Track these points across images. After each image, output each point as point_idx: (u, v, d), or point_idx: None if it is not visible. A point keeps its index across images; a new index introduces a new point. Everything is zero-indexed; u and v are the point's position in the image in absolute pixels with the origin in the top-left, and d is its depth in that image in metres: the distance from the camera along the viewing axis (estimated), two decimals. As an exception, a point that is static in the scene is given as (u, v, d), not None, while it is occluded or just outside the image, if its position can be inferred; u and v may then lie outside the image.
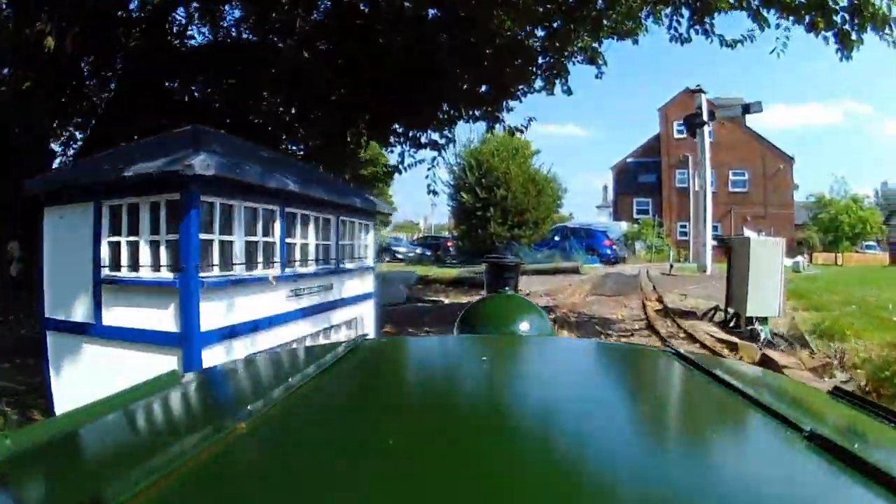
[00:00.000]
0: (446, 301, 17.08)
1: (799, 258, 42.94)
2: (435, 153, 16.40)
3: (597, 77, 14.47)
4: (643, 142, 66.27)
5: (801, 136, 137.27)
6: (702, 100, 35.72)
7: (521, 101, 15.79)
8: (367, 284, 9.19)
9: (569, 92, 14.71)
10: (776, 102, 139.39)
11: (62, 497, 0.94)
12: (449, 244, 52.28)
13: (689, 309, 16.07)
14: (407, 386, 1.71)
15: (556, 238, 46.52)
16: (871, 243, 64.02)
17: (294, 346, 6.53)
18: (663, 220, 58.10)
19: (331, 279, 7.78)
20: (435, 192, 17.01)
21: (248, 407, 1.17)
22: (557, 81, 14.63)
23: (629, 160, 65.58)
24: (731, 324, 13.15)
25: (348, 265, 8.44)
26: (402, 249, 51.33)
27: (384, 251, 48.82)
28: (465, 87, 14.58)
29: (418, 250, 50.99)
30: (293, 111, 16.09)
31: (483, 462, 0.98)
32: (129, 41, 13.71)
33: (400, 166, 17.20)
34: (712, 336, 11.95)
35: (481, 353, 2.10)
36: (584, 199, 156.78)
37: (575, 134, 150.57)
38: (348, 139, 16.09)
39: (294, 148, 16.80)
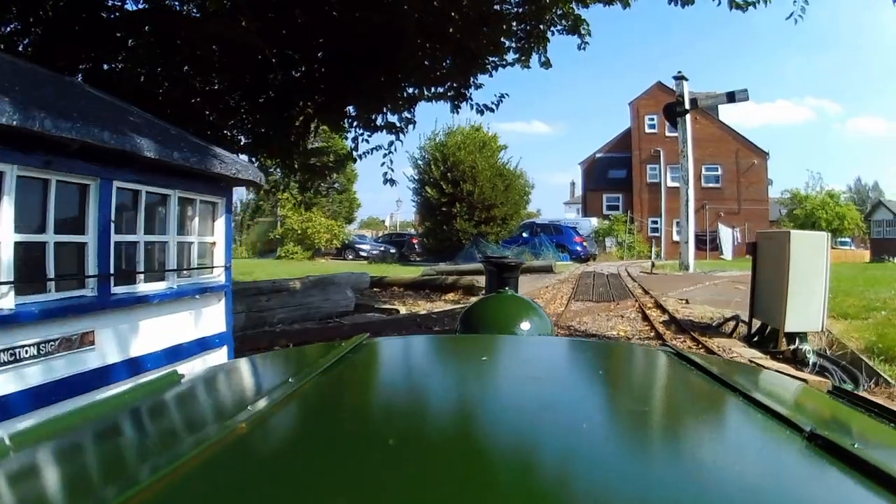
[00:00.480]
0: (402, 310, 14.34)
1: None
2: (392, 137, 13.73)
3: (579, 48, 12.27)
4: (613, 137, 64.79)
5: (772, 134, 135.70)
6: (683, 87, 33.30)
7: (491, 76, 13.36)
8: (210, 320, 5.99)
9: (547, 64, 12.66)
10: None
11: (62, 497, 0.92)
12: (415, 241, 50.36)
13: (702, 320, 13.23)
14: (407, 385, 1.61)
15: (525, 235, 44.37)
16: (846, 239, 63.10)
17: None
18: (634, 216, 56.42)
19: (86, 323, 4.52)
20: (392, 182, 14.19)
21: (249, 407, 1.13)
22: (535, 52, 12.38)
23: (599, 155, 63.92)
24: (756, 338, 10.38)
25: (153, 286, 5.19)
26: (365, 247, 49.43)
27: (347, 249, 47.72)
28: (427, 61, 12.36)
29: (383, 248, 48.89)
30: (234, 92, 13.65)
31: (484, 461, 0.97)
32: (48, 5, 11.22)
33: (354, 153, 14.77)
34: (755, 363, 8.51)
35: (481, 352, 2.01)
36: (552, 195, 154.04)
37: (541, 131, 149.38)
38: (296, 123, 14.05)
39: (242, 137, 14.45)
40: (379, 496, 0.84)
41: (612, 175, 61.56)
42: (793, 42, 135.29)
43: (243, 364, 2.07)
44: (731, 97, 32.49)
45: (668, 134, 56.51)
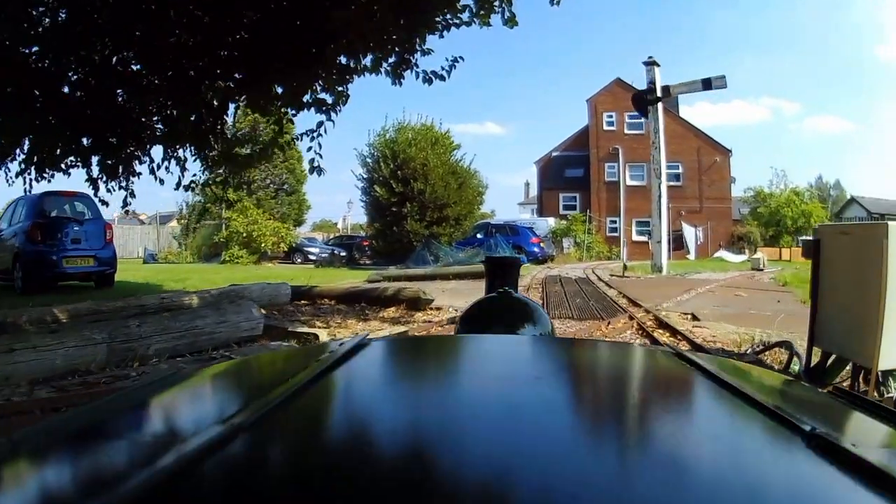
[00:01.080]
0: (324, 335, 10.58)
1: (759, 254, 39.53)
2: (322, 117, 11.19)
3: (552, 3, 10.36)
4: (570, 135, 62.92)
5: (728, 134, 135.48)
6: (655, 73, 30.44)
7: (441, 36, 10.78)
8: None
9: (512, 21, 10.46)
10: (700, 101, 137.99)
11: (62, 497, 0.88)
12: (366, 244, 48.00)
13: (732, 346, 9.61)
14: (408, 386, 1.57)
15: (480, 236, 41.94)
16: (808, 238, 59.68)
17: None
18: (592, 216, 54.45)
19: None
20: (319, 170, 11.72)
21: (250, 407, 1.06)
22: (498, 4, 10.31)
23: (555, 154, 61.97)
24: (815, 374, 6.69)
25: None
26: (314, 250, 47.05)
27: (296, 252, 45.57)
28: (365, 22, 9.44)
29: (333, 251, 46.02)
30: (142, 70, 11.66)
31: (485, 461, 0.93)
32: None
33: (283, 139, 12.84)
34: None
35: (482, 352, 1.90)
36: (506, 196, 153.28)
37: (494, 133, 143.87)
38: (212, 104, 11.97)
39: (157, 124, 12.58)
40: (379, 496, 0.80)
41: (569, 174, 59.70)
42: (749, 43, 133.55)
43: (243, 364, 2.04)
44: (707, 84, 29.25)
45: (627, 132, 56.38)
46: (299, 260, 44.43)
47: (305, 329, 10.75)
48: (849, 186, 76.98)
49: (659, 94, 30.01)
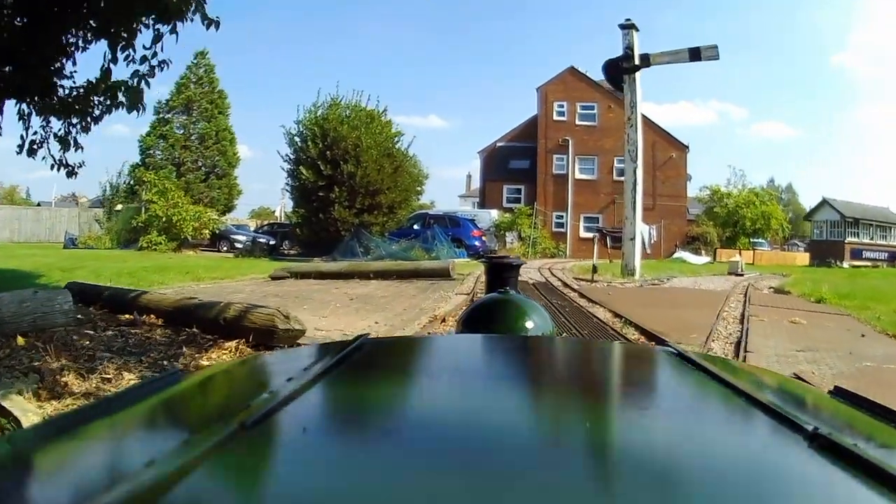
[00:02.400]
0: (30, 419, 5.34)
1: (736, 257, 37.05)
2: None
3: None
4: (516, 125, 58.62)
5: (675, 134, 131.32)
6: (633, 38, 24.98)
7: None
8: None
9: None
10: (647, 98, 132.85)
11: (62, 497, 0.91)
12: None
13: None
14: (409, 386, 1.59)
15: (417, 227, 37.97)
16: (760, 241, 59.71)
17: None
18: (538, 209, 50.06)
19: None
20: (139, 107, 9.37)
21: (251, 406, 1.10)
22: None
23: (500, 144, 57.69)
24: None
25: None
26: (241, 238, 42.93)
27: (221, 240, 41.72)
28: None
29: (262, 239, 42.03)
30: None
31: (486, 461, 0.95)
32: None
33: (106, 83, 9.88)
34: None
35: (482, 352, 2.01)
36: (447, 190, 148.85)
37: (437, 126, 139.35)
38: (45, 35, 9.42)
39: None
40: (380, 496, 0.81)
41: (514, 165, 55.61)
42: (699, 44, 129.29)
43: (244, 364, 2.18)
44: (695, 54, 24.18)
45: (578, 122, 52.76)
46: (225, 248, 40.83)
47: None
48: (800, 190, 74.71)
49: (637, 62, 24.76)
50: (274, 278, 20.02)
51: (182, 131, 51.90)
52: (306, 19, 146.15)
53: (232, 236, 43.37)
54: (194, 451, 0.86)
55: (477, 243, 38.34)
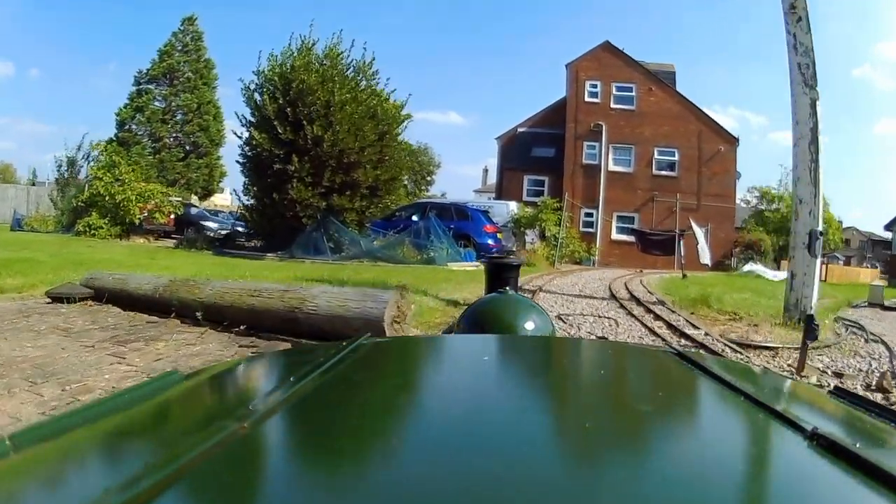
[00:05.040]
0: None
1: (878, 281, 28.53)
2: None
3: None
4: (541, 108, 47.44)
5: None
6: None
7: None
8: None
9: None
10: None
11: (62, 498, 0.88)
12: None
13: None
14: (409, 385, 1.52)
15: (416, 218, 26.64)
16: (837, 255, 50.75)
17: None
18: (569, 202, 39.46)
19: None
20: None
21: (251, 406, 1.08)
22: None
23: (521, 130, 46.45)
24: None
25: None
26: (212, 225, 34.21)
27: (188, 226, 31.37)
28: None
29: (240, 228, 31.78)
30: None
31: (486, 461, 0.92)
32: None
33: None
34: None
35: (482, 352, 1.86)
36: (462, 185, 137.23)
37: (455, 122, 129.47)
38: None
39: None
40: (381, 496, 0.79)
41: (537, 153, 44.63)
42: (721, 52, 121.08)
43: (244, 364, 1.87)
44: None
45: (613, 106, 42.66)
46: (193, 234, 29.78)
47: None
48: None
49: None
50: (53, 298, 9.63)
51: (163, 104, 45.93)
52: (318, 9, 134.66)
53: (202, 222, 33.95)
54: (194, 451, 0.84)
55: (490, 241, 27.30)
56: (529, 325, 2.65)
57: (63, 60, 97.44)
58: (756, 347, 9.23)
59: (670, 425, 1.19)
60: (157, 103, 45.48)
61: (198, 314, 8.23)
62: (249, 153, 25.06)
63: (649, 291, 17.02)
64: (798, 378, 7.50)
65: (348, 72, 24.89)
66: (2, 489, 0.87)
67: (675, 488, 0.82)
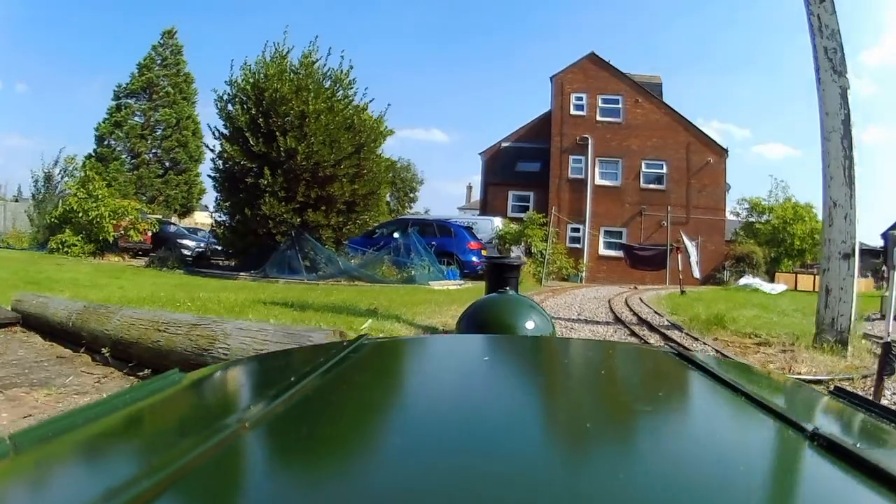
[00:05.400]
0: None
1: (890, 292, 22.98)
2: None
3: None
4: (525, 122, 46.83)
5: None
6: None
7: None
8: None
9: None
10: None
11: (62, 498, 0.87)
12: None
13: None
14: (409, 385, 1.51)
15: (396, 235, 25.10)
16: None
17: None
18: (555, 217, 38.15)
19: None
20: None
21: (251, 406, 1.07)
22: None
23: (506, 144, 45.65)
24: None
25: None
26: (190, 243, 32.33)
27: (166, 244, 29.06)
28: None
29: (217, 246, 30.29)
30: None
31: (486, 461, 0.90)
32: None
33: None
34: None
35: (483, 352, 1.87)
36: (445, 202, 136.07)
37: (439, 140, 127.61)
38: None
39: None
40: (381, 496, 0.77)
41: (522, 167, 44.01)
42: (701, 64, 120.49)
43: (244, 364, 2.00)
44: None
45: (599, 118, 42.07)
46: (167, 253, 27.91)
47: None
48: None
49: None
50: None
51: (142, 119, 45.27)
52: (298, 30, 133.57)
53: (180, 240, 31.97)
54: (194, 451, 0.82)
55: (474, 258, 26.18)
56: (529, 325, 2.62)
57: (50, 74, 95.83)
58: (807, 382, 7.82)
59: (670, 425, 1.18)
60: (136, 118, 44.87)
61: (104, 351, 6.74)
62: (222, 167, 23.60)
63: (656, 312, 15.79)
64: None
65: (325, 81, 23.41)
66: (2, 489, 0.85)
67: (675, 488, 0.81)
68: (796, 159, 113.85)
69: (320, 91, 22.65)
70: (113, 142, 43.85)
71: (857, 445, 0.88)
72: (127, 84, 45.01)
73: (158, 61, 45.96)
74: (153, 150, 44.63)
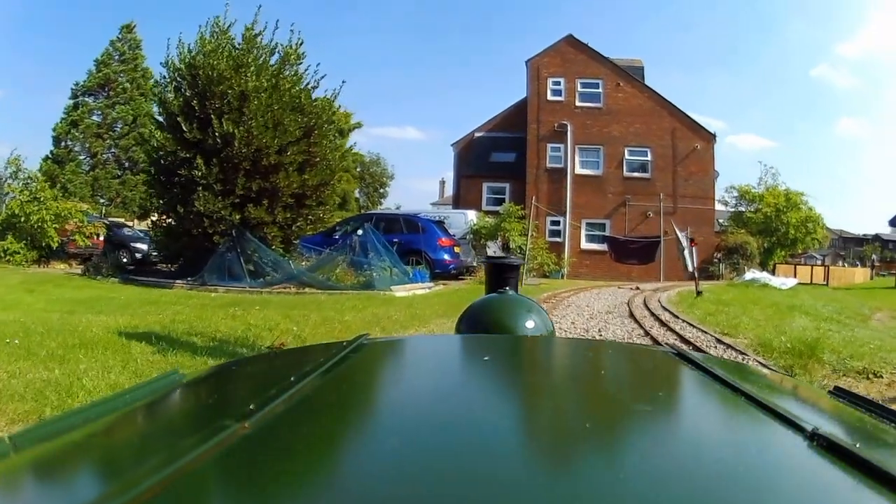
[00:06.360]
0: None
1: None
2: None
3: None
4: (499, 111, 43.83)
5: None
6: None
7: None
8: None
9: None
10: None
11: (62, 498, 0.88)
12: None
13: None
14: (410, 385, 1.49)
15: (359, 232, 20.86)
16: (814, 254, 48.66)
17: None
18: (533, 208, 34.21)
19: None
20: None
21: (252, 406, 1.05)
22: None
23: (479, 134, 42.76)
24: None
25: None
26: (143, 247, 27.91)
27: (119, 248, 25.82)
28: None
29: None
30: None
31: (487, 461, 0.90)
32: None
33: None
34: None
35: (483, 352, 1.83)
36: (419, 199, 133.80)
37: (414, 138, 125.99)
38: None
39: None
40: (380, 496, 0.77)
41: (497, 158, 41.22)
42: (676, 58, 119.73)
43: (244, 364, 2.00)
44: None
45: (578, 104, 39.37)
46: (125, 258, 25.71)
47: None
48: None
49: None
50: None
51: (99, 118, 43.51)
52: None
53: (133, 244, 27.91)
54: (194, 451, 0.82)
55: (446, 256, 23.37)
56: (529, 325, 2.53)
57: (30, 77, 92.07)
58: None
59: (670, 425, 1.18)
60: (93, 117, 43.36)
61: None
62: (155, 158, 19.90)
63: (702, 330, 12.37)
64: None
65: (272, 58, 19.94)
66: (3, 489, 0.87)
67: (675, 488, 0.81)
68: (773, 150, 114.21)
69: (264, 67, 19.34)
70: (70, 142, 42.32)
71: (858, 445, 0.87)
72: (84, 81, 43.38)
73: (116, 57, 44.32)
74: (111, 150, 42.81)
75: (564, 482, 0.81)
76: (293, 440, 0.97)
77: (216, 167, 18.04)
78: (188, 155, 18.29)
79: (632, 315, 14.77)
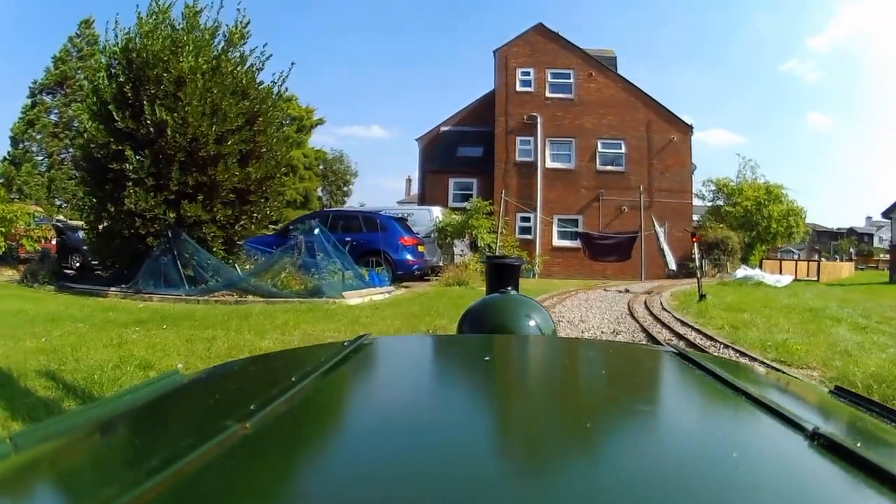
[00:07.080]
0: None
1: None
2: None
3: None
4: (465, 105, 42.40)
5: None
6: None
7: None
8: None
9: None
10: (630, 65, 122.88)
11: (63, 498, 0.91)
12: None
13: None
14: (411, 385, 1.49)
15: (317, 232, 18.60)
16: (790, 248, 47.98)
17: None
18: (503, 203, 33.86)
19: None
20: None
21: (252, 406, 1.06)
22: None
23: (445, 129, 41.33)
24: None
25: None
26: None
27: (73, 252, 24.32)
28: None
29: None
30: None
31: (487, 461, 0.93)
32: None
33: None
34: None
35: (484, 352, 1.82)
36: (385, 197, 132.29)
37: (379, 136, 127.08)
38: None
39: None
40: (381, 496, 0.78)
41: (464, 153, 39.76)
42: (644, 52, 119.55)
43: (245, 363, 1.88)
44: None
45: (549, 95, 37.68)
46: (78, 262, 24.40)
47: None
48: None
49: None
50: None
51: (57, 117, 42.84)
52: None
53: (84, 248, 24.74)
54: (194, 451, 0.82)
55: (409, 257, 21.75)
56: (530, 325, 2.51)
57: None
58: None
59: (670, 425, 1.18)
60: (51, 116, 42.67)
61: None
62: (86, 151, 17.70)
63: (750, 356, 9.47)
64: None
65: (215, 40, 17.82)
66: (3, 489, 0.86)
67: (675, 488, 0.81)
68: (743, 146, 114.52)
69: (204, 48, 17.24)
70: (27, 142, 41.56)
71: (858, 445, 0.87)
72: (41, 80, 42.57)
73: (74, 53, 43.57)
74: (68, 150, 40.89)
75: (566, 481, 0.81)
76: (294, 441, 0.97)
77: (148, 160, 16.07)
78: (120, 147, 16.19)
79: (645, 331, 12.42)
